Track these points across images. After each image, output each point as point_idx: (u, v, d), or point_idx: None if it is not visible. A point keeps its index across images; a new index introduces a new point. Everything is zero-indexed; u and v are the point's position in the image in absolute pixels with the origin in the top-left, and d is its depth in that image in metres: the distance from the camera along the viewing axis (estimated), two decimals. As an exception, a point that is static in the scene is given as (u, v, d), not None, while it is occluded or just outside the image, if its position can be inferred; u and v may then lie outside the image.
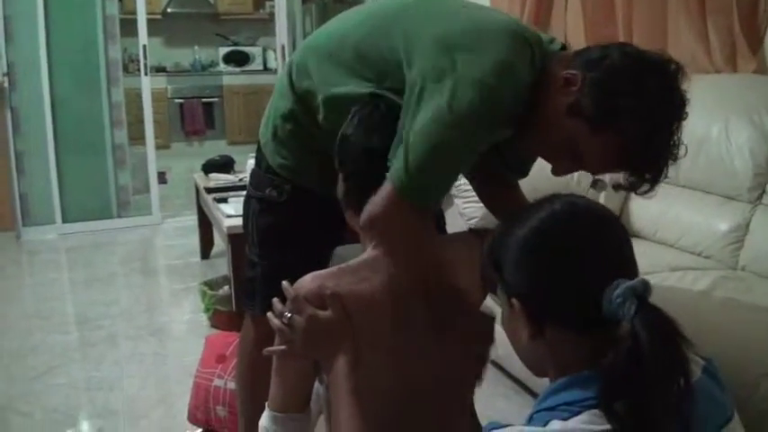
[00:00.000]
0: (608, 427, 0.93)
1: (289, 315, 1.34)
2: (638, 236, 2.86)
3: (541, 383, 1.10)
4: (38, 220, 5.22)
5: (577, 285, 1.02)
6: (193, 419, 2.49)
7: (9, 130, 5.00)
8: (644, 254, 2.57)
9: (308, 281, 1.37)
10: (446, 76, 1.34)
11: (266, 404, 1.43)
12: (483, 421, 2.22)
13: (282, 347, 1.37)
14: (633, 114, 1.27)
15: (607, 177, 1.52)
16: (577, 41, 3.79)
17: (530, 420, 1.01)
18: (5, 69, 4.92)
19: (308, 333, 1.32)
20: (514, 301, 1.07)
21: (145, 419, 2.66)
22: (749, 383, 1.71)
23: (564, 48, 1.47)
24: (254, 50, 9.16)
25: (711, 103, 2.68)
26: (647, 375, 0.93)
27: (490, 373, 2.83)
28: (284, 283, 1.39)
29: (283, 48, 5.92)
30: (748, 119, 2.54)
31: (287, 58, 5.96)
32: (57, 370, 3.08)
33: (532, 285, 1.06)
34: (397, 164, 1.33)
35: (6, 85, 4.94)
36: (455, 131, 1.32)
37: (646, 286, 0.98)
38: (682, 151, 1.33)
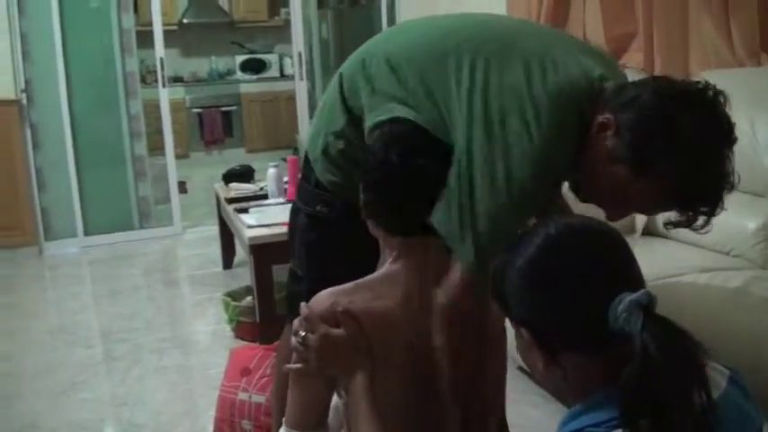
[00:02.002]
0: None
1: (303, 333, 1.34)
2: (664, 236, 2.81)
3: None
4: (60, 234, 5.24)
5: (582, 307, 0.99)
6: (219, 433, 2.48)
7: (29, 145, 5.03)
8: (671, 255, 2.57)
9: (324, 298, 1.37)
10: (497, 137, 1.37)
11: (283, 420, 1.42)
12: (513, 430, 2.18)
13: (299, 365, 1.36)
14: (671, 155, 1.24)
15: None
16: (596, 38, 3.75)
17: None
18: (23, 86, 4.95)
19: (322, 351, 1.33)
20: (524, 331, 1.05)
21: (171, 433, 2.65)
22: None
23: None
24: (271, 57, 9.17)
25: (736, 98, 2.57)
26: (662, 387, 0.90)
27: (519, 381, 2.80)
28: (302, 303, 1.38)
29: (300, 55, 5.90)
30: (775, 114, 2.49)
31: (304, 65, 5.95)
32: (82, 385, 3.08)
33: (538, 315, 1.03)
34: (465, 248, 1.39)
35: (25, 101, 4.97)
36: (511, 203, 1.36)
37: (650, 297, 0.95)
38: (736, 179, 1.28)
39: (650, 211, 1.39)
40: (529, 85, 1.37)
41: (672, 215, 1.35)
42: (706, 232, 1.34)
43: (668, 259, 2.49)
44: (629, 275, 1.03)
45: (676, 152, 1.24)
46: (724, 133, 1.27)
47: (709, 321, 1.85)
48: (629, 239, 1.10)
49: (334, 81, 1.70)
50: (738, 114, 2.51)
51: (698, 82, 1.29)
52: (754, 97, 2.61)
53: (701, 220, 1.32)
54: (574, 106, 1.36)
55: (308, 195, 1.76)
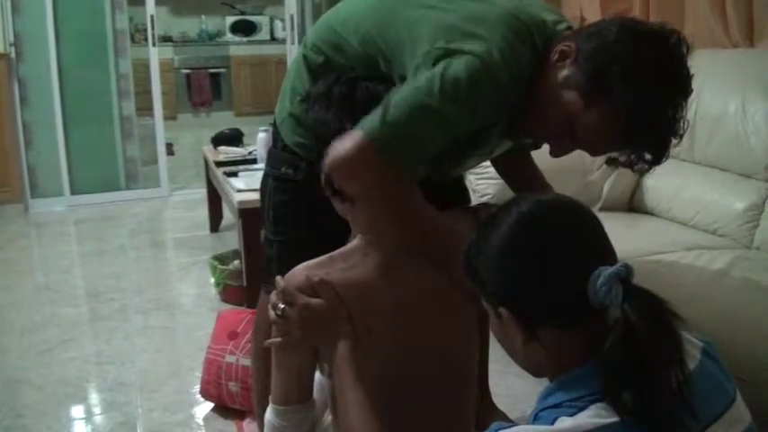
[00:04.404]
0: (616, 419, 0.92)
1: (282, 307, 1.34)
2: (652, 213, 2.85)
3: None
4: (46, 191, 5.21)
5: (560, 282, 1.00)
6: (206, 394, 2.50)
7: (16, 101, 4.98)
8: (658, 232, 2.60)
9: (298, 272, 1.37)
10: (441, 57, 1.34)
11: (269, 398, 1.43)
12: (496, 399, 2.22)
13: (279, 339, 1.37)
14: (625, 84, 1.25)
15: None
16: (592, 15, 3.74)
17: (534, 419, 1.00)
18: (12, 40, 4.88)
19: (303, 322, 1.33)
20: (502, 310, 1.05)
21: (156, 393, 2.67)
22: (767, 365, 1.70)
23: (571, 28, 1.45)
24: (262, 20, 9.08)
25: (728, 78, 2.65)
26: (646, 358, 0.92)
27: (503, 352, 2.83)
28: (277, 277, 1.39)
29: (292, 18, 5.85)
30: (766, 95, 2.50)
31: (296, 29, 5.90)
32: (68, 343, 3.09)
33: (517, 292, 1.04)
34: (371, 116, 1.32)
35: (13, 55, 4.91)
36: (436, 102, 1.31)
37: (628, 270, 0.97)
38: (684, 125, 1.30)
39: (595, 147, 1.39)
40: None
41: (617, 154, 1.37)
42: (646, 172, 1.37)
43: (654, 236, 2.52)
44: (603, 249, 1.05)
45: (631, 82, 1.25)
46: (681, 77, 1.29)
47: (691, 299, 1.88)
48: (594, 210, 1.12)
49: (300, 48, 1.72)
50: (730, 95, 2.58)
51: (665, 25, 1.30)
52: (747, 78, 2.62)
53: (643, 164, 1.34)
54: (520, 32, 1.37)
55: (275, 158, 1.78)
